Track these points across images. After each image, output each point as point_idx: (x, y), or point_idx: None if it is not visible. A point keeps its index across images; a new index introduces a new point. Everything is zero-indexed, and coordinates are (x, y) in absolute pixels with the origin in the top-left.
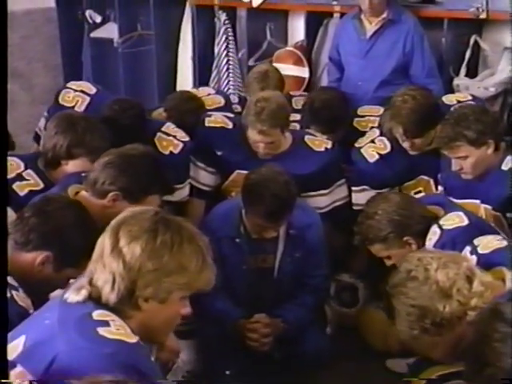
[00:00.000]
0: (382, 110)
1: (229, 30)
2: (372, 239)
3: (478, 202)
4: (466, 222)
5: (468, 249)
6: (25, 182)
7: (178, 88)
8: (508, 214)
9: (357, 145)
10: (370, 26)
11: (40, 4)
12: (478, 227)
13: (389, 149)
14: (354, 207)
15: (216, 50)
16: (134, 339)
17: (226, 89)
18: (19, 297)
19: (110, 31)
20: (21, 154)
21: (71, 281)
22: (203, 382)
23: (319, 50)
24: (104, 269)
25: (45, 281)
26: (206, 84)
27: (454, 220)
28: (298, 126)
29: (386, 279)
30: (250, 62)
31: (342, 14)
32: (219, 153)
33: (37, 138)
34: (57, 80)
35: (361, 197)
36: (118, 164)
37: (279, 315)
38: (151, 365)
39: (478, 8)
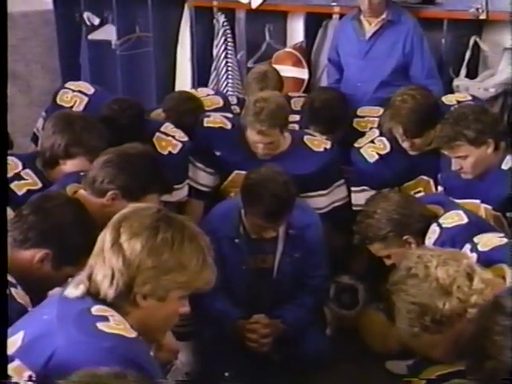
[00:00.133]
0: (381, 110)
1: (227, 31)
2: (371, 238)
3: (478, 201)
4: (465, 220)
5: (468, 246)
6: (23, 182)
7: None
8: (508, 214)
9: (356, 145)
10: (370, 26)
11: (38, 6)
12: (477, 226)
13: (388, 149)
14: (354, 208)
15: (215, 52)
16: (132, 334)
17: (224, 91)
18: (18, 294)
19: (108, 33)
20: (19, 154)
21: (70, 279)
22: (202, 383)
23: (318, 51)
24: (104, 264)
25: (43, 279)
26: (205, 86)
27: (454, 218)
28: (297, 127)
29: (386, 280)
30: (249, 64)
31: (342, 15)
32: (218, 153)
33: (35, 138)
34: (55, 82)
35: (360, 197)
36: (116, 163)
37: (278, 316)
38: (150, 360)
39: (477, 9)
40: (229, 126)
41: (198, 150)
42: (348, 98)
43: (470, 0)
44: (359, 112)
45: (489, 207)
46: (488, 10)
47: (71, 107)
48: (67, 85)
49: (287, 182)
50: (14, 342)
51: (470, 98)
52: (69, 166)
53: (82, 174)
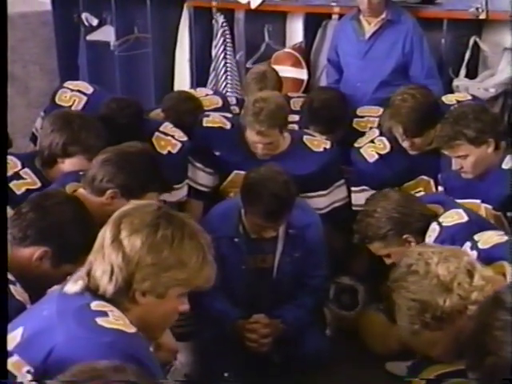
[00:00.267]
0: (381, 110)
1: (226, 32)
2: (371, 237)
3: (478, 201)
4: (465, 218)
5: (468, 244)
6: (22, 181)
7: None
8: (508, 213)
9: (356, 145)
10: (369, 26)
11: (36, 7)
12: (477, 224)
13: (388, 149)
14: (354, 208)
15: (214, 53)
16: (132, 329)
17: (223, 91)
18: (17, 291)
19: (107, 34)
20: (18, 153)
21: (69, 277)
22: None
23: (318, 51)
24: (103, 259)
25: (43, 276)
26: (204, 87)
27: (454, 217)
28: (296, 127)
29: (386, 281)
30: (248, 65)
31: (341, 16)
32: (217, 153)
33: (33, 138)
34: (53, 83)
35: (360, 197)
36: (115, 161)
37: (278, 316)
38: (150, 355)
39: (477, 8)
40: (228, 125)
41: (197, 150)
42: (347, 98)
43: (470, 0)
44: (359, 112)
45: (489, 207)
46: (488, 10)
47: (70, 107)
48: (66, 84)
49: (287, 182)
50: (14, 337)
51: (470, 97)
52: (67, 164)
53: (81, 173)
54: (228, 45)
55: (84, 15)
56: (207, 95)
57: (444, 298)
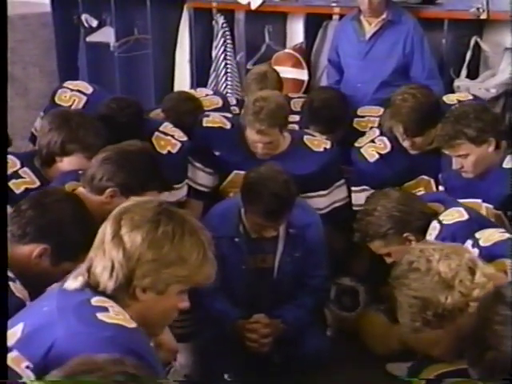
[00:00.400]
0: (381, 110)
1: (227, 33)
2: (372, 236)
3: (479, 201)
4: (465, 216)
5: (470, 242)
6: (21, 180)
7: None
8: (509, 213)
9: (357, 144)
10: (370, 27)
11: (35, 8)
12: (477, 222)
13: (389, 148)
14: (354, 208)
15: (214, 54)
16: (132, 324)
17: (224, 92)
18: (16, 288)
19: (107, 35)
20: (17, 152)
21: (68, 275)
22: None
23: (318, 52)
24: (104, 256)
25: (42, 274)
26: (204, 87)
27: (454, 215)
28: (296, 128)
29: (386, 282)
30: (249, 66)
31: (342, 16)
32: (217, 153)
33: (32, 138)
34: (52, 85)
35: (361, 197)
36: (115, 160)
37: (278, 316)
38: (150, 350)
39: (478, 8)
40: (228, 125)
41: (197, 150)
42: (348, 98)
43: (471, 0)
44: (359, 112)
45: (490, 206)
46: (489, 10)
47: (70, 106)
48: (65, 84)
49: (287, 181)
50: (14, 333)
51: (471, 97)
52: (65, 163)
53: (80, 172)
54: (228, 46)
55: (84, 16)
56: (207, 95)
57: (445, 295)
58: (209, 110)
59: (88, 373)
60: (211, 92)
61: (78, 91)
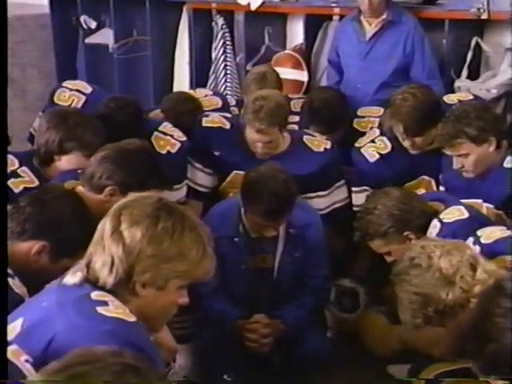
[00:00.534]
0: (382, 110)
1: (226, 34)
2: (372, 234)
3: (480, 201)
4: (466, 215)
5: (471, 240)
6: (19, 179)
7: None
8: (511, 212)
9: (357, 144)
10: (370, 27)
11: (33, 10)
12: (478, 220)
13: (389, 148)
14: (355, 208)
15: (213, 55)
16: (132, 318)
17: (223, 94)
18: (15, 284)
19: (106, 37)
20: (16, 152)
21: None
22: None
23: (318, 53)
24: (103, 251)
25: (41, 271)
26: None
27: (454, 213)
28: (296, 128)
29: (387, 284)
30: (248, 67)
31: (342, 17)
32: (217, 153)
33: (31, 138)
34: (51, 87)
35: (361, 197)
36: (114, 158)
37: (278, 316)
38: (150, 343)
39: (479, 8)
40: (228, 125)
41: (196, 150)
42: (347, 98)
43: (472, 0)
44: (359, 112)
45: (491, 206)
46: (489, 10)
47: (68, 106)
48: (64, 84)
49: (287, 180)
50: (13, 328)
51: (471, 97)
52: (64, 162)
53: (79, 171)
54: (228, 47)
55: (82, 18)
56: (207, 96)
57: (447, 292)
58: (208, 111)
59: (87, 364)
60: (211, 92)
61: (77, 91)
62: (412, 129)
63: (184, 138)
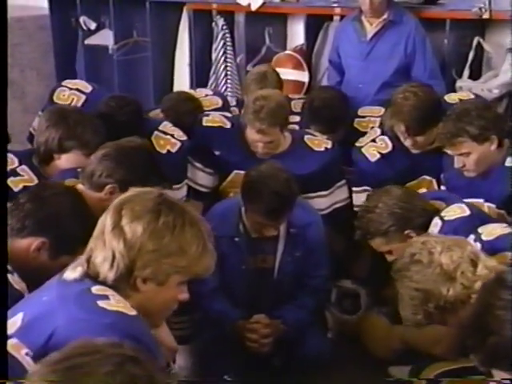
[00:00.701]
0: (382, 110)
1: (227, 35)
2: (373, 233)
3: (481, 201)
4: (467, 212)
5: (472, 237)
6: (19, 178)
7: None
8: None
9: (358, 144)
10: (371, 27)
11: (32, 11)
12: (479, 218)
13: (390, 148)
14: (355, 208)
15: (214, 56)
16: (133, 312)
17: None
18: (14, 280)
19: (105, 38)
20: (15, 150)
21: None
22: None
23: (319, 53)
24: (104, 246)
25: (40, 268)
26: None
27: (456, 211)
28: (297, 128)
29: (388, 285)
30: (249, 68)
31: (342, 17)
32: (217, 153)
33: (30, 138)
34: (50, 88)
35: (362, 198)
36: (114, 156)
37: (279, 316)
38: (151, 337)
39: (480, 8)
40: (228, 125)
41: (196, 150)
42: (348, 98)
43: (473, 0)
44: (360, 112)
45: (492, 206)
46: (491, 10)
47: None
48: (64, 83)
49: (288, 179)
50: (13, 323)
51: (472, 96)
52: (63, 160)
53: (79, 170)
54: (228, 48)
55: (82, 19)
56: (207, 96)
57: (447, 287)
58: (208, 110)
59: (86, 355)
60: (211, 92)
61: (77, 90)
62: (413, 128)
63: (184, 138)
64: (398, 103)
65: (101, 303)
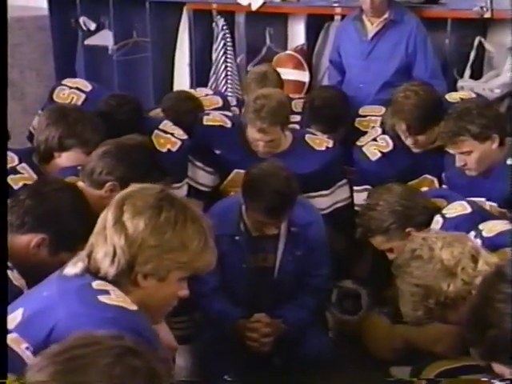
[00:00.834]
0: (383, 109)
1: (227, 35)
2: (374, 231)
3: (483, 200)
4: (468, 210)
5: (473, 233)
6: (19, 176)
7: None
8: None
9: (358, 143)
10: (372, 26)
11: (32, 12)
12: (480, 215)
13: (391, 147)
14: (356, 208)
15: (214, 56)
16: (134, 307)
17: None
18: (14, 277)
19: (105, 38)
20: (15, 148)
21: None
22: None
23: (320, 53)
24: (105, 242)
25: (40, 264)
26: None
27: (457, 209)
28: (298, 128)
29: (389, 285)
30: (249, 68)
31: (343, 17)
32: (218, 152)
33: (30, 137)
34: (49, 89)
35: (363, 197)
36: (115, 154)
37: (279, 316)
38: (152, 331)
39: (482, 7)
40: (229, 124)
41: (197, 149)
42: (349, 97)
43: None
44: (361, 111)
45: (494, 204)
46: (493, 9)
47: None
48: (64, 82)
49: (289, 178)
50: (14, 318)
51: (473, 95)
52: (64, 159)
53: (79, 167)
54: (228, 48)
55: (82, 19)
56: (207, 95)
57: (448, 283)
58: (209, 110)
59: (86, 346)
60: (211, 92)
61: (77, 89)
62: (414, 127)
63: (185, 137)
64: (399, 102)
65: (101, 298)
